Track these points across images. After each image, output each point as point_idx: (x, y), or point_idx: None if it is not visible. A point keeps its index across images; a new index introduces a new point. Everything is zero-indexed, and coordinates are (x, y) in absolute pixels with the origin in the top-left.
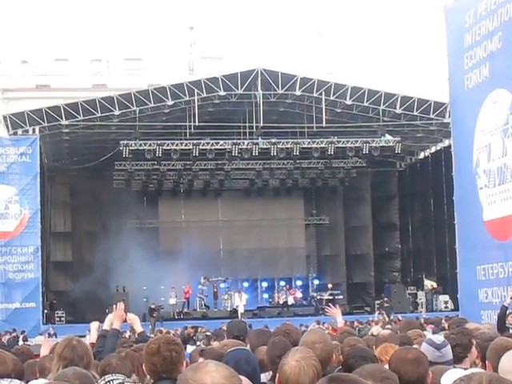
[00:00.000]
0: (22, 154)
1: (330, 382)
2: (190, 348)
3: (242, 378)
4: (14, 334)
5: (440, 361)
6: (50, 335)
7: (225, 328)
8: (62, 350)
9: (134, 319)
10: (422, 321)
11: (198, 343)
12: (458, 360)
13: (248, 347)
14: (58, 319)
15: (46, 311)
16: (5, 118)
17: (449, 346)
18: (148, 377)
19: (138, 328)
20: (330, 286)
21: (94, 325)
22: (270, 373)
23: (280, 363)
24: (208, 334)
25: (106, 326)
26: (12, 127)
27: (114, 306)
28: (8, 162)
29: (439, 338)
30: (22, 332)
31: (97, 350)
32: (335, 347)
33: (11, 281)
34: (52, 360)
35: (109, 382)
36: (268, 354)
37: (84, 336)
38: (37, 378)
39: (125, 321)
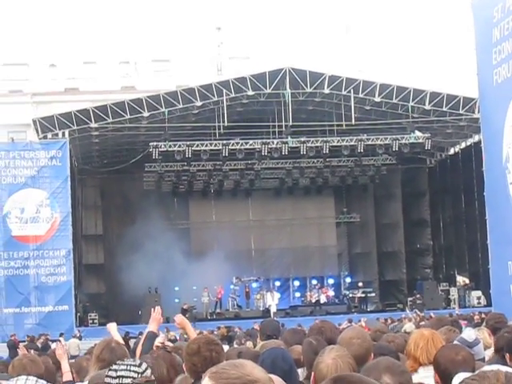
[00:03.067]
0: (52, 158)
1: (334, 382)
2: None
3: (275, 377)
4: (47, 338)
5: None
6: (76, 337)
7: (257, 328)
8: (100, 351)
9: (185, 323)
10: (456, 317)
11: (233, 343)
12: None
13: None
14: (90, 322)
15: (78, 314)
16: (34, 122)
17: (481, 344)
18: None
19: (191, 333)
20: (360, 284)
21: (113, 326)
22: (305, 369)
23: (316, 361)
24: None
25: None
26: (42, 131)
27: (152, 309)
28: (38, 165)
29: (471, 335)
30: (61, 334)
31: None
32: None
33: (44, 284)
34: (89, 360)
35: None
36: (304, 354)
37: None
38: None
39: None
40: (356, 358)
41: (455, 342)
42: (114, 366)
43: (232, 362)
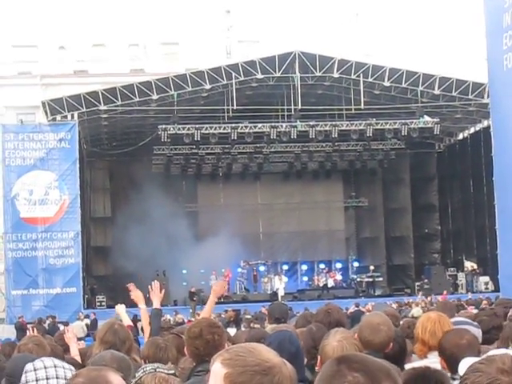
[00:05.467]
0: (61, 140)
1: (339, 363)
2: (231, 331)
3: None
4: (54, 320)
5: None
6: (80, 319)
7: (265, 311)
8: (103, 333)
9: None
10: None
11: (240, 326)
12: (489, 342)
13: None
14: (98, 304)
15: (86, 296)
16: (43, 104)
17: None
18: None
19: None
20: (371, 267)
21: (121, 308)
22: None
23: (321, 345)
24: (248, 317)
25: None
26: (51, 113)
27: (150, 287)
28: (47, 147)
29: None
30: (66, 324)
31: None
32: None
33: (52, 266)
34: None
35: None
36: (304, 340)
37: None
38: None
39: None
40: (380, 345)
41: (456, 321)
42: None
43: (245, 347)
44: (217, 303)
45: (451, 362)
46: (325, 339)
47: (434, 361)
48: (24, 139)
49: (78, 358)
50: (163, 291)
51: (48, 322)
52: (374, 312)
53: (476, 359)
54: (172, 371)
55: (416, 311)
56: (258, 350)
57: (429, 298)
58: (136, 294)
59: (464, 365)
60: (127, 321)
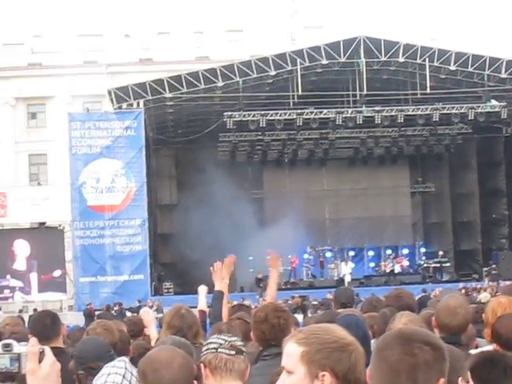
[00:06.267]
0: (127, 128)
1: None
2: (298, 317)
3: None
4: (122, 307)
5: None
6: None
7: (331, 297)
8: (170, 318)
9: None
10: None
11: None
12: None
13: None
14: (165, 291)
15: (153, 283)
16: (109, 92)
17: None
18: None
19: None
20: (440, 253)
21: (203, 289)
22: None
23: (387, 328)
24: (315, 303)
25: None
26: (117, 101)
27: (212, 268)
28: (113, 135)
29: None
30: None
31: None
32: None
33: (119, 253)
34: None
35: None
36: (377, 324)
37: (194, 307)
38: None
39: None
40: (457, 328)
41: None
42: (211, 338)
43: (319, 326)
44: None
45: (508, 348)
46: (391, 323)
47: None
48: (90, 127)
49: (155, 341)
50: (231, 265)
51: (115, 308)
52: (451, 295)
53: None
54: (232, 351)
55: (484, 296)
56: (333, 329)
57: (496, 284)
58: (218, 274)
59: None
60: (203, 304)
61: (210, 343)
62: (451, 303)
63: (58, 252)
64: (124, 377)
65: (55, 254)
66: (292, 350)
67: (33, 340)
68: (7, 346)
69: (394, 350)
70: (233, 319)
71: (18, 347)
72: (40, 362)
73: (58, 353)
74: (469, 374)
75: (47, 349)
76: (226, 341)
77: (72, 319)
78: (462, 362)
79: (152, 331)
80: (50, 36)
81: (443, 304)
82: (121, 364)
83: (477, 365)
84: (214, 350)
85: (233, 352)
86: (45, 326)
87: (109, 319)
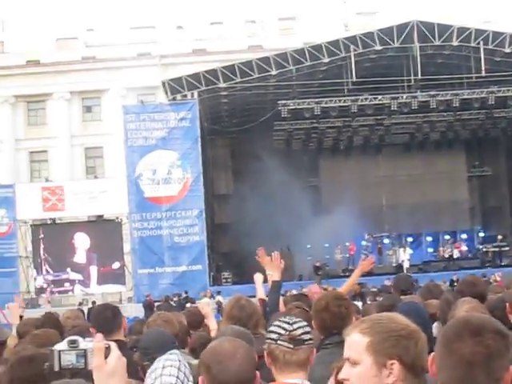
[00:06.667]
0: (181, 119)
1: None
2: (357, 304)
3: None
4: (180, 298)
5: None
6: (208, 296)
7: (388, 284)
8: (230, 309)
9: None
10: None
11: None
12: None
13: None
14: (224, 281)
15: (212, 273)
16: (163, 83)
17: None
18: None
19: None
20: (499, 237)
21: (259, 277)
22: (440, 324)
23: (449, 315)
24: (374, 290)
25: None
26: (171, 93)
27: (270, 258)
28: (169, 127)
29: None
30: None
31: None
32: None
33: (177, 244)
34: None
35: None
36: (440, 309)
37: (252, 296)
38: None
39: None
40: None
41: None
42: (274, 322)
43: (382, 315)
44: (341, 277)
45: None
46: (452, 310)
47: None
48: (145, 119)
49: (214, 332)
50: (283, 262)
51: (175, 299)
52: None
53: None
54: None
55: None
56: (396, 317)
57: None
58: (265, 261)
59: None
60: (261, 293)
61: (271, 332)
62: None
63: (116, 244)
64: (179, 369)
65: (114, 247)
66: (357, 341)
67: (98, 336)
68: (73, 342)
69: (466, 341)
70: (291, 308)
71: (84, 343)
72: (106, 357)
73: (119, 346)
74: None
75: (113, 344)
76: (286, 330)
77: (131, 311)
78: None
79: (211, 322)
80: (103, 29)
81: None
82: (174, 357)
83: None
84: (273, 342)
85: (291, 345)
86: (106, 319)
87: (168, 311)
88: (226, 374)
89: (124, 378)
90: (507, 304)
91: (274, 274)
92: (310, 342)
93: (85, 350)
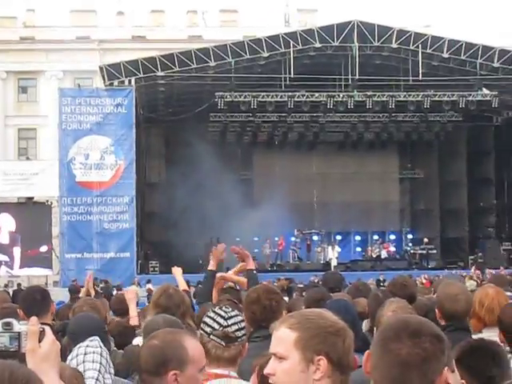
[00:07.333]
0: (117, 105)
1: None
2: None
3: None
4: (108, 284)
5: None
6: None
7: (315, 280)
8: (158, 297)
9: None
10: None
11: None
12: None
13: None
14: (151, 269)
15: (140, 261)
16: (101, 68)
17: None
18: None
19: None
20: (425, 240)
21: (177, 271)
22: (368, 321)
23: (377, 315)
24: (301, 286)
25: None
26: (108, 78)
27: (214, 247)
28: (104, 112)
29: None
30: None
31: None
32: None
33: (106, 231)
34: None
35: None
36: (369, 307)
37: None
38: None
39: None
40: (462, 314)
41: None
42: (209, 312)
43: (311, 311)
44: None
45: (509, 336)
46: (380, 309)
47: (488, 335)
48: (81, 103)
49: (136, 320)
50: (223, 254)
51: (101, 285)
52: (448, 282)
53: None
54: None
55: (469, 284)
56: (325, 314)
57: (479, 272)
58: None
59: None
60: (183, 285)
61: (206, 324)
62: (452, 291)
63: (44, 227)
64: (101, 355)
65: (42, 230)
66: (285, 336)
67: (33, 319)
68: (7, 324)
69: (404, 342)
70: (222, 300)
71: (18, 326)
72: (40, 341)
73: None
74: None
75: (47, 328)
76: (220, 326)
77: (57, 295)
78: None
79: (131, 309)
80: (44, 11)
81: (444, 293)
82: (95, 343)
83: (464, 353)
84: (206, 335)
85: (223, 342)
86: (35, 301)
87: (95, 297)
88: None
89: (57, 362)
90: (436, 310)
91: (211, 263)
92: (243, 337)
93: (19, 333)
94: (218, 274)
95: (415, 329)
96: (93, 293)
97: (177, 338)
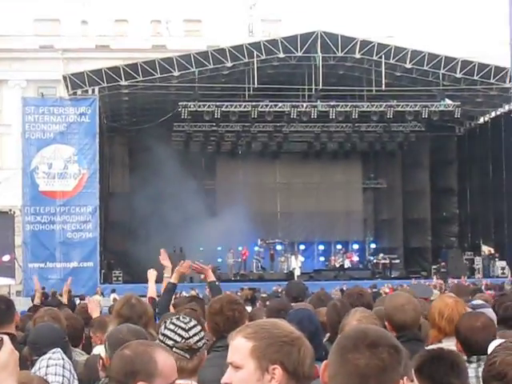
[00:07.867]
0: (81, 114)
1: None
2: (248, 309)
3: None
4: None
5: None
6: (98, 293)
7: (278, 290)
8: (120, 307)
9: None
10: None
11: (256, 305)
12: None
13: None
14: (115, 279)
15: (103, 271)
16: (64, 78)
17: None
18: None
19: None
20: (388, 249)
21: (152, 275)
22: (328, 334)
23: (341, 324)
24: (264, 295)
25: (173, 278)
26: (72, 87)
27: (181, 261)
28: (67, 121)
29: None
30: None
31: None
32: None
33: (69, 240)
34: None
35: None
36: (328, 316)
37: (143, 296)
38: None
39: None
40: (412, 323)
41: (474, 304)
42: (167, 324)
43: (266, 321)
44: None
45: (466, 346)
46: (345, 319)
47: (447, 344)
48: (44, 113)
49: None
50: (187, 270)
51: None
52: (395, 293)
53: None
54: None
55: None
56: (280, 324)
57: (444, 281)
58: (166, 262)
59: (493, 346)
60: (153, 290)
61: (167, 337)
62: (398, 302)
63: (7, 237)
64: (64, 367)
65: (5, 239)
66: (240, 345)
67: None
68: None
69: (362, 353)
70: (181, 309)
71: None
72: None
73: (11, 340)
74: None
75: (6, 337)
76: (182, 338)
77: (20, 305)
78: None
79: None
80: (6, 19)
81: (390, 304)
82: (57, 355)
83: (424, 362)
84: (168, 348)
85: (187, 355)
86: None
87: (57, 307)
88: None
89: (16, 372)
90: (386, 322)
91: (174, 276)
92: (204, 346)
93: None
94: (187, 262)
95: (373, 340)
96: (65, 300)
97: (148, 351)
